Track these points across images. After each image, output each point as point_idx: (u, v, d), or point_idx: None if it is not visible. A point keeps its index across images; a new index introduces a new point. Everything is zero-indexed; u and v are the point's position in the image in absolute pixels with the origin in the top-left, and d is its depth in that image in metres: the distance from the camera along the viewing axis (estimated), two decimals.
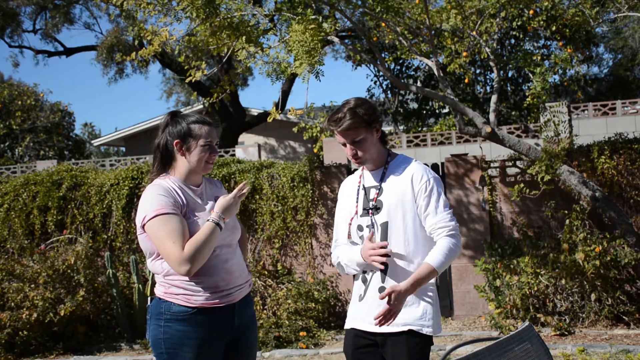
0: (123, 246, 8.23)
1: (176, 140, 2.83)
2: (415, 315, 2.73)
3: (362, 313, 2.81)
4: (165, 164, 2.88)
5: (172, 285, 2.76)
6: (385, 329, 2.73)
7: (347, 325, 2.90)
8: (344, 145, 2.81)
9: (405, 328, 2.71)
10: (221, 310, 2.77)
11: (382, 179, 2.82)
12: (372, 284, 2.78)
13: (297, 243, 8.14)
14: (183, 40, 7.00)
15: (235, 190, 2.84)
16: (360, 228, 2.83)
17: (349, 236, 2.87)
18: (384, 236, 2.76)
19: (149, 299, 2.89)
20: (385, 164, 2.85)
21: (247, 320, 2.92)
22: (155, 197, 2.73)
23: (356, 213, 2.85)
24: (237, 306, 2.84)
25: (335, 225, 3.01)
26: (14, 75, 46.96)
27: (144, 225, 2.73)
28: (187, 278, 2.73)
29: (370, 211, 2.80)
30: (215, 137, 2.90)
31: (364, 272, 2.81)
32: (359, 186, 2.91)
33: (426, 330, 2.74)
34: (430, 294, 2.78)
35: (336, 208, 3.02)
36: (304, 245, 8.11)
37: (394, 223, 2.74)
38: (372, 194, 2.83)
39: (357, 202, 2.87)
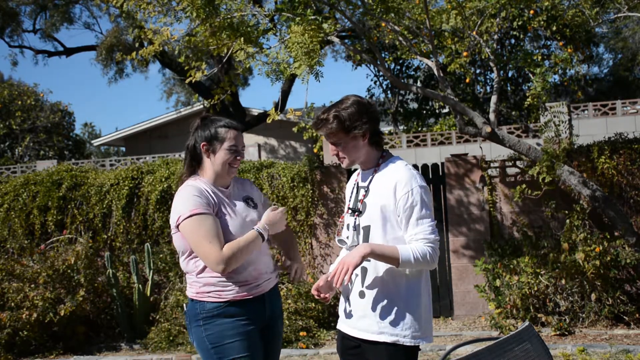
0: (123, 246, 8.23)
1: (203, 143, 2.94)
2: (390, 324, 2.67)
3: (346, 315, 2.82)
4: (194, 165, 3.00)
5: (204, 284, 2.86)
6: (363, 335, 2.72)
7: (337, 326, 2.92)
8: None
9: (380, 338, 2.67)
10: (252, 301, 2.89)
11: (370, 180, 2.79)
12: (355, 287, 2.77)
13: (297, 243, 8.13)
14: (183, 40, 7.00)
15: (282, 209, 3.02)
16: (347, 227, 2.83)
17: (339, 233, 2.89)
18: (365, 239, 2.73)
19: (184, 304, 2.97)
20: (376, 166, 2.80)
21: (277, 312, 3.06)
22: (191, 197, 2.83)
23: (347, 212, 2.86)
24: (267, 296, 2.96)
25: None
26: (14, 75, 47.01)
27: (178, 224, 2.82)
28: (218, 275, 2.84)
29: (355, 212, 2.79)
30: (241, 142, 3.00)
31: None
32: (354, 185, 2.90)
33: (403, 341, 2.67)
34: (411, 300, 2.70)
35: None
36: (304, 245, 8.12)
37: (374, 227, 2.71)
38: (361, 194, 2.80)
39: (349, 200, 2.88)
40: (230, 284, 2.85)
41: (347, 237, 2.82)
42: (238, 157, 2.97)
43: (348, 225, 2.83)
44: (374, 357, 2.72)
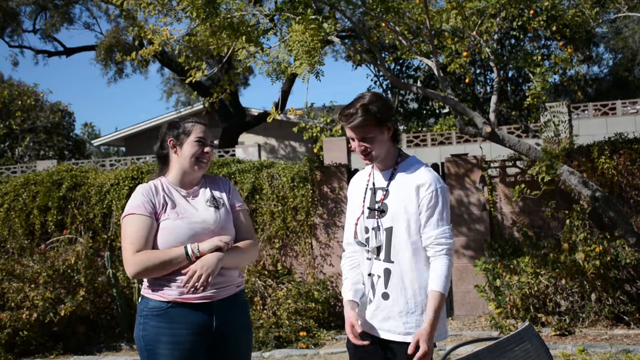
0: None
1: (170, 138, 2.89)
2: (416, 324, 2.69)
3: (367, 316, 2.79)
4: (162, 167, 2.95)
5: (151, 281, 2.78)
6: (387, 336, 2.72)
7: None
8: (352, 140, 2.76)
9: (407, 339, 2.68)
10: (196, 307, 2.73)
11: (389, 181, 2.76)
12: (377, 289, 2.76)
13: (297, 243, 8.14)
14: (183, 40, 7.00)
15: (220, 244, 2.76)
16: (366, 230, 2.78)
17: (355, 235, 2.83)
18: (388, 240, 2.72)
19: (139, 298, 2.89)
20: (395, 165, 2.78)
21: (235, 326, 2.84)
22: (134, 197, 2.82)
23: (362, 213, 2.80)
24: (217, 306, 2.77)
25: (345, 227, 2.95)
26: (14, 75, 46.96)
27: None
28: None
29: (376, 213, 2.75)
30: (209, 136, 2.91)
31: (370, 274, 2.78)
32: (367, 185, 2.85)
33: None
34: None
35: (347, 208, 2.97)
36: (304, 245, 8.11)
37: (397, 228, 2.70)
38: (379, 195, 2.77)
39: (364, 201, 2.82)
40: (174, 283, 2.72)
41: (366, 240, 2.78)
42: (206, 150, 2.87)
43: (366, 227, 2.78)
44: (395, 357, 2.72)
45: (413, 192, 2.69)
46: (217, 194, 2.92)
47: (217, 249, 2.74)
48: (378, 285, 2.75)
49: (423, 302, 2.70)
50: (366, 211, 2.79)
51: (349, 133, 2.75)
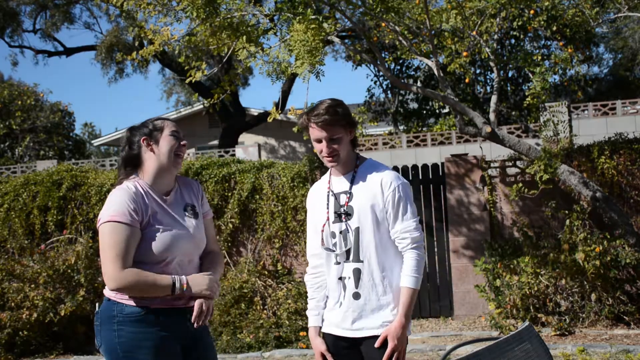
0: None
1: (143, 137, 2.75)
2: (389, 319, 2.73)
3: (339, 319, 2.81)
4: (129, 171, 2.79)
5: None
6: (361, 334, 2.75)
7: (325, 330, 2.88)
8: (319, 142, 2.76)
9: (380, 332, 2.72)
10: (176, 312, 2.70)
11: (352, 183, 2.80)
12: (347, 290, 2.78)
13: (297, 243, 8.14)
14: (183, 40, 7.01)
15: (208, 273, 2.76)
16: (333, 235, 2.81)
17: (322, 243, 2.83)
18: (356, 241, 2.75)
19: (96, 304, 2.78)
20: (355, 168, 2.83)
21: (204, 331, 2.85)
22: (119, 201, 2.65)
23: (328, 219, 2.82)
24: (190, 312, 2.73)
25: (307, 238, 2.95)
26: (14, 75, 46.97)
27: (98, 227, 2.68)
28: None
29: (342, 217, 2.79)
30: (181, 131, 2.85)
31: (341, 278, 2.80)
32: (328, 192, 2.86)
33: None
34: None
35: (307, 220, 2.96)
36: (304, 245, 8.12)
37: (365, 228, 2.74)
38: (343, 199, 2.80)
39: (327, 208, 2.84)
40: None
41: (334, 245, 2.80)
42: (182, 143, 2.78)
43: (333, 232, 2.80)
44: (372, 352, 2.74)
45: (377, 190, 2.75)
46: (193, 201, 2.86)
47: (203, 296, 2.69)
48: (349, 286, 2.78)
49: (395, 299, 2.75)
50: (332, 216, 2.81)
51: (317, 134, 2.76)
